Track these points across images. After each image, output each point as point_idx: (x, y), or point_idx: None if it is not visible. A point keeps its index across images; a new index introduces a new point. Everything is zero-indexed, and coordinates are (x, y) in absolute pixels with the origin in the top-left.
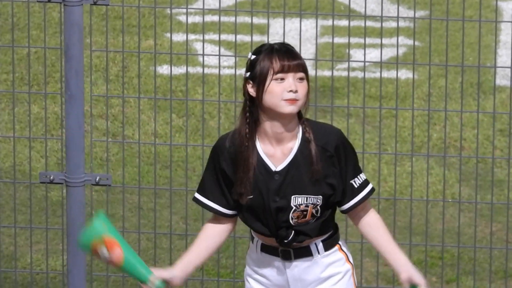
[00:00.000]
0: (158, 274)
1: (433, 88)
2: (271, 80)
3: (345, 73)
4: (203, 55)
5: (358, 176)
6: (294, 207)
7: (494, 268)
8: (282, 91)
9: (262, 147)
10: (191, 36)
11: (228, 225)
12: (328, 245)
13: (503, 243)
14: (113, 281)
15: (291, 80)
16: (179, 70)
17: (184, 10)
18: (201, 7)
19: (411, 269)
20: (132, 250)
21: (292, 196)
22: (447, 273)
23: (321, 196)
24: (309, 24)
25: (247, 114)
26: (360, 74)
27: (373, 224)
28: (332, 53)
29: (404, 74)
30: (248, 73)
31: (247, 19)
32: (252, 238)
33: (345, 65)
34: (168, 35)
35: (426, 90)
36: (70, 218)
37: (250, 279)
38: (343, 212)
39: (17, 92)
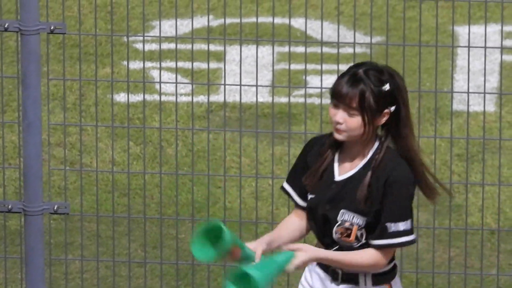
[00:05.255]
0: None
1: None
2: (331, 102)
3: (302, 100)
4: (160, 82)
5: (398, 223)
6: (339, 221)
7: None
8: (332, 116)
9: (339, 154)
10: (148, 64)
11: (304, 221)
12: (377, 280)
13: (462, 268)
14: None
15: (340, 110)
16: (136, 97)
17: (141, 38)
18: (158, 34)
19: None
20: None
21: (341, 210)
22: None
23: (366, 219)
24: (265, 51)
25: None
26: (317, 101)
27: (361, 251)
28: (289, 80)
29: None
30: None
31: (203, 46)
32: None
33: (302, 91)
34: (125, 63)
35: None
36: (28, 247)
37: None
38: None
39: None
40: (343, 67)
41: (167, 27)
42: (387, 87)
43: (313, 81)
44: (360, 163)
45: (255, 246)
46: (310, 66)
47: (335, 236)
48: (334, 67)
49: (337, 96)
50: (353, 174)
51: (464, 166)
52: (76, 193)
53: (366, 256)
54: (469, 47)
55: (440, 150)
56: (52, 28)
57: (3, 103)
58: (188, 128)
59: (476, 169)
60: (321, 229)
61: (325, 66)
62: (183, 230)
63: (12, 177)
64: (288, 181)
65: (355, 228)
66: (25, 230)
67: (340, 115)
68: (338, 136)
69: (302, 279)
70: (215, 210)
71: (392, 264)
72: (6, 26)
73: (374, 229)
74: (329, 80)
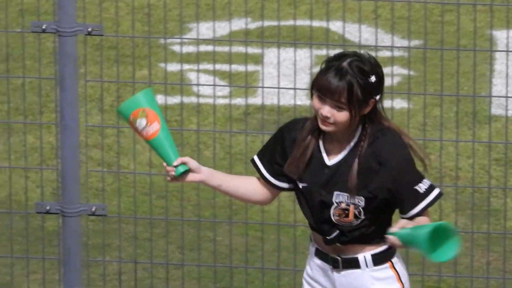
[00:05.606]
0: (185, 160)
1: (428, 118)
2: (315, 93)
3: None
4: (197, 84)
5: (423, 181)
6: (335, 204)
7: None
8: (318, 109)
9: (323, 141)
10: (185, 66)
11: (264, 193)
12: (378, 260)
13: (500, 272)
14: None
15: (327, 105)
16: (174, 100)
17: (178, 40)
18: (195, 37)
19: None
20: (168, 130)
21: (335, 192)
22: None
23: (362, 198)
24: (303, 54)
25: None
26: None
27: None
28: None
29: (399, 103)
30: None
31: (241, 48)
32: (310, 240)
33: None
34: (162, 65)
35: (421, 119)
36: (66, 248)
37: (305, 284)
38: (406, 218)
39: (13, 122)
40: None
41: (204, 29)
42: (373, 78)
43: None
44: (347, 147)
45: (197, 167)
46: None
47: (333, 218)
48: None
49: (323, 90)
50: (343, 157)
51: (502, 170)
52: (114, 195)
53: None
54: (507, 51)
55: (478, 154)
56: (89, 29)
57: (41, 104)
58: (226, 131)
59: None
60: (318, 215)
61: None
62: (221, 233)
63: (50, 178)
64: (258, 155)
65: (351, 207)
66: (62, 231)
67: (327, 110)
68: (326, 128)
69: (304, 273)
70: (252, 212)
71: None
72: (43, 27)
73: (380, 204)
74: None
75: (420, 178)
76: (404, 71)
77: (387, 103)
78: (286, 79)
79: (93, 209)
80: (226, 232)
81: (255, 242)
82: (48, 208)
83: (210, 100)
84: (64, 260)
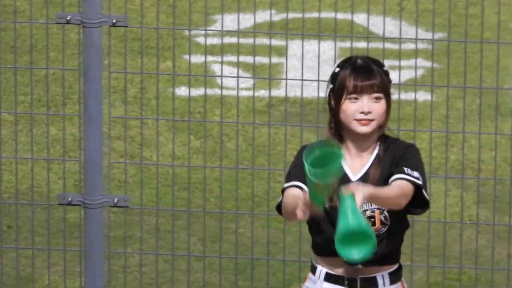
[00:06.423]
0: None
1: (451, 110)
2: (345, 99)
3: None
4: (221, 76)
5: (413, 171)
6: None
7: None
8: (354, 111)
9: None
10: (209, 58)
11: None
12: (393, 279)
13: None
14: None
15: (365, 100)
16: (197, 91)
17: (202, 32)
18: (219, 28)
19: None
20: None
21: None
22: None
23: None
24: (327, 46)
25: (333, 126)
26: None
27: (393, 184)
28: None
29: (422, 96)
30: (331, 85)
31: (265, 40)
32: (314, 269)
33: None
34: (186, 56)
35: (444, 112)
36: (87, 239)
37: None
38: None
39: (35, 114)
40: (405, 63)
41: (228, 21)
42: (386, 67)
43: None
44: (369, 159)
45: None
46: None
47: None
48: (396, 63)
49: (359, 88)
50: (368, 168)
51: None
52: (136, 186)
53: (400, 186)
54: None
55: (501, 147)
56: (114, 21)
57: (64, 95)
58: (249, 123)
59: None
60: None
61: (387, 62)
62: (243, 225)
63: (72, 170)
64: (299, 180)
65: (377, 213)
66: (84, 223)
67: (367, 105)
68: (365, 129)
69: None
70: (275, 204)
71: (399, 264)
72: (68, 18)
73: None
74: (391, 76)
75: (416, 169)
76: (428, 64)
77: (410, 95)
78: (310, 72)
79: (115, 201)
80: (248, 224)
81: (277, 234)
82: (70, 199)
83: (234, 92)
84: (86, 252)
